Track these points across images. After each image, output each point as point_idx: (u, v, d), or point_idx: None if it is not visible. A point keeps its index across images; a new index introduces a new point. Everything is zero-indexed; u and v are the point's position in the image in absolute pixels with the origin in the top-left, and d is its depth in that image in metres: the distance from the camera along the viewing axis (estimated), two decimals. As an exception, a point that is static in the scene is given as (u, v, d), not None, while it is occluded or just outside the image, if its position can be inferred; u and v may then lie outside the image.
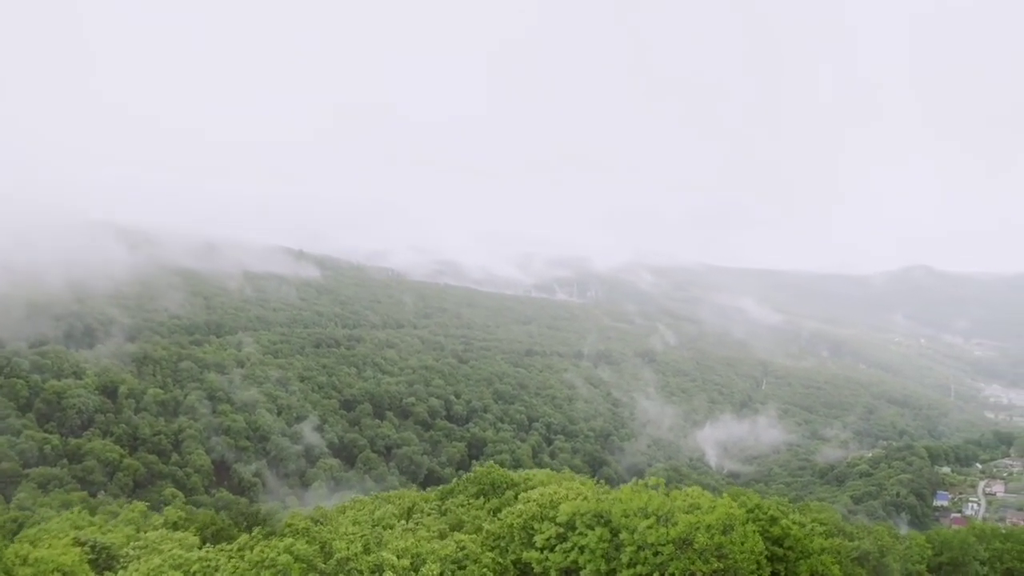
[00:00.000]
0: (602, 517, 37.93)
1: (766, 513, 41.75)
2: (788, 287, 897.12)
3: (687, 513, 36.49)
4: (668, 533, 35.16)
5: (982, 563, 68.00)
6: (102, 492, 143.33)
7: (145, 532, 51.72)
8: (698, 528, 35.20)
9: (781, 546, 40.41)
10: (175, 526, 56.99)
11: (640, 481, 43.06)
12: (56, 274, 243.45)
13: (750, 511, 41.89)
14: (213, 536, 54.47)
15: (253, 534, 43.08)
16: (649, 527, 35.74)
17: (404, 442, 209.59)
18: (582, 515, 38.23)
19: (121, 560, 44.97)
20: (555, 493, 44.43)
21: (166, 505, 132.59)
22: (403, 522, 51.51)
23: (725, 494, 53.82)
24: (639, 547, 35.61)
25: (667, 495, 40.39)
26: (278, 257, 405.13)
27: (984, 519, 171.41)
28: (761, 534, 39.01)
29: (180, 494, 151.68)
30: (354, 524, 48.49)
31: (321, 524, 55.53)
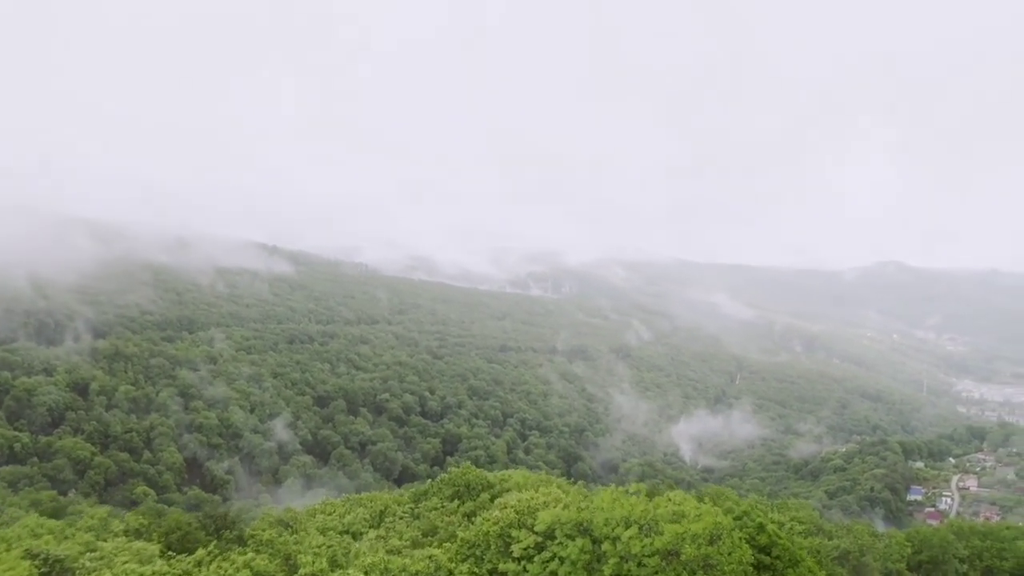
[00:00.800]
0: (583, 526, 36.25)
1: (754, 520, 40.32)
2: (761, 282, 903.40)
3: (672, 522, 34.90)
4: (653, 543, 33.54)
5: (961, 561, 67.53)
6: (73, 491, 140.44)
7: (104, 540, 49.34)
8: (684, 538, 33.61)
9: (768, 554, 39.02)
10: (137, 533, 54.57)
11: (621, 488, 41.37)
12: (23, 271, 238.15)
13: (737, 518, 40.42)
14: (178, 542, 52.23)
15: (216, 542, 41.02)
16: (633, 537, 34.10)
17: (378, 439, 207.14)
18: (562, 524, 36.52)
19: (77, 573, 42.62)
20: (533, 499, 42.71)
21: (136, 504, 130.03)
22: (374, 529, 49.62)
23: (706, 497, 52.47)
24: (622, 558, 33.97)
25: (650, 501, 38.79)
26: (250, 252, 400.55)
27: (958, 513, 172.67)
28: (748, 542, 37.56)
29: (152, 492, 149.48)
30: (322, 533, 46.57)
31: (289, 529, 53.57)
